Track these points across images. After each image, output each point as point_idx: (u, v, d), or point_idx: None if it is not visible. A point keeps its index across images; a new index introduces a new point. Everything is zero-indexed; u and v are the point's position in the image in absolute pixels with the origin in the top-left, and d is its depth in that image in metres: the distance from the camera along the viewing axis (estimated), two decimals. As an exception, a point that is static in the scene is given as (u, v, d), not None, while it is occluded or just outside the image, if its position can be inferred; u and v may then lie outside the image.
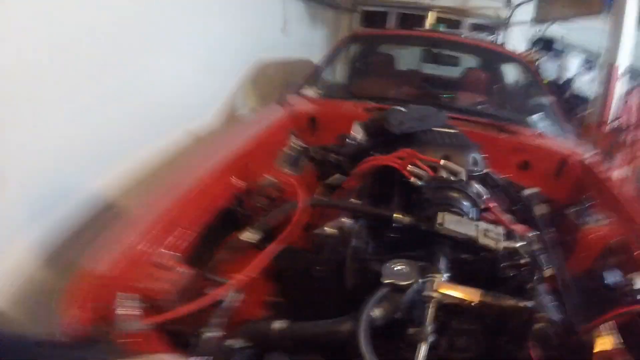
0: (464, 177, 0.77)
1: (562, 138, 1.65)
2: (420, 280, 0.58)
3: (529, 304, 0.57)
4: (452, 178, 0.76)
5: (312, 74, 2.22)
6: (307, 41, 4.18)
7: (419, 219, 0.68)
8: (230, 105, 2.70)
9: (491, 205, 0.78)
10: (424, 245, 0.67)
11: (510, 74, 2.61)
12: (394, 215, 0.72)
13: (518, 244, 0.64)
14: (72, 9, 1.30)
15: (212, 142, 1.39)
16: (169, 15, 1.91)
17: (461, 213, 0.69)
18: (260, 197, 1.01)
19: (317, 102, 1.85)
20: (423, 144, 0.91)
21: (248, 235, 0.79)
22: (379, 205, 0.83)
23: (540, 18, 4.49)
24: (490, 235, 0.63)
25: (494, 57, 2.59)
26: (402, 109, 1.09)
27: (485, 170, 0.92)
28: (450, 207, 0.69)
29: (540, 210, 1.06)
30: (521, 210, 1.04)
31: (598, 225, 1.02)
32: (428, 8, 4.90)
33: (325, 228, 0.78)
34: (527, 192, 1.16)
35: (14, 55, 1.08)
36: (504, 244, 0.63)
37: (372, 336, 0.51)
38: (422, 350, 0.50)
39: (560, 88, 4.09)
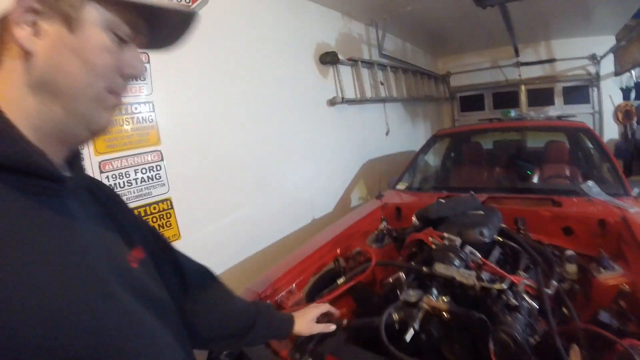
0: (458, 244, 1.28)
1: (616, 197, 1.87)
2: (419, 298, 1.11)
3: (483, 316, 1.02)
4: (450, 245, 1.28)
5: (404, 172, 2.89)
6: (410, 135, 4.92)
7: (429, 268, 1.23)
8: (346, 199, 3.51)
9: (484, 260, 1.24)
10: (431, 282, 1.20)
11: (577, 142, 2.87)
12: (422, 267, 1.28)
13: (490, 284, 1.11)
14: (238, 134, 2.35)
15: (332, 225, 2.11)
16: (301, 132, 2.93)
17: (452, 264, 1.20)
18: (352, 260, 1.66)
19: (405, 195, 2.49)
20: (449, 224, 1.45)
21: (341, 280, 1.43)
22: (417, 263, 1.38)
23: (620, 69, 4.33)
24: (465, 276, 1.13)
25: (560, 131, 2.93)
26: (443, 200, 1.66)
27: (492, 239, 1.38)
28: (444, 260, 1.21)
29: (570, 268, 1.36)
30: (547, 266, 1.35)
31: (613, 274, 1.25)
32: (520, 83, 5.20)
33: (390, 279, 1.38)
34: (568, 253, 1.41)
35: (196, 169, 2.08)
36: (477, 283, 1.12)
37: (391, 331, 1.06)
38: (410, 331, 1.03)
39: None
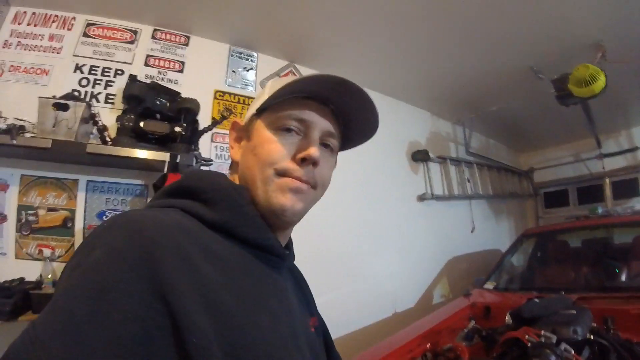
0: (554, 341, 1.32)
1: None
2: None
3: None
4: (546, 342, 1.32)
5: (492, 271, 2.88)
6: (494, 233, 4.81)
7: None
8: (428, 295, 3.50)
9: (577, 357, 1.27)
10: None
11: None
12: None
13: None
14: (336, 222, 2.60)
15: (420, 321, 2.17)
16: (391, 225, 3.11)
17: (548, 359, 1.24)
18: (442, 357, 1.72)
19: (493, 295, 2.49)
20: (542, 322, 1.49)
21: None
22: (513, 361, 1.42)
23: None
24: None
25: None
26: (537, 300, 1.70)
27: (586, 337, 1.40)
28: (541, 356, 1.26)
29: None
30: None
31: None
32: (603, 175, 4.91)
33: None
34: None
35: (312, 261, 2.31)
36: None
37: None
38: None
39: None
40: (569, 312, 1.55)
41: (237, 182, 0.62)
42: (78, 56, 1.65)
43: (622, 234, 3.04)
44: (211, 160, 2.05)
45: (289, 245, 0.67)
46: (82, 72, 1.69)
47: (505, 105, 3.42)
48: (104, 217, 1.71)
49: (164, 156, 1.72)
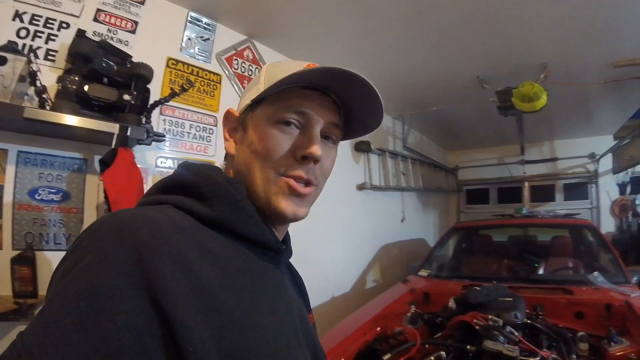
0: (501, 324, 1.51)
1: (618, 285, 2.20)
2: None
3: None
4: (495, 325, 1.51)
5: (425, 260, 3.14)
6: (422, 224, 5.25)
7: (472, 346, 1.44)
8: (362, 280, 3.70)
9: (521, 338, 1.48)
10: (480, 357, 1.41)
11: (581, 237, 3.24)
12: (466, 346, 1.48)
13: (531, 358, 1.35)
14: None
15: (366, 306, 2.29)
16: (332, 213, 3.19)
17: (497, 341, 1.42)
18: (392, 339, 1.84)
19: (429, 282, 2.72)
20: (486, 308, 1.69)
21: (387, 357, 1.61)
22: (462, 342, 1.59)
23: (618, 167, 4.78)
24: (510, 350, 1.35)
25: (567, 228, 3.34)
26: (478, 288, 1.91)
27: (523, 321, 1.63)
28: (492, 337, 1.44)
29: (583, 346, 1.60)
30: (564, 345, 1.59)
31: (622, 347, 1.53)
32: (523, 179, 5.66)
33: (432, 357, 1.57)
34: (579, 334, 1.68)
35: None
36: (519, 356, 1.35)
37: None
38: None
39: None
40: (508, 299, 1.77)
41: (232, 175, 0.60)
42: (19, 1, 1.38)
43: (544, 233, 3.55)
44: (164, 136, 1.89)
45: (286, 240, 0.66)
46: (22, 21, 1.41)
47: (444, 107, 3.70)
48: (36, 195, 1.48)
49: (113, 127, 1.55)
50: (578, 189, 5.43)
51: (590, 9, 2.12)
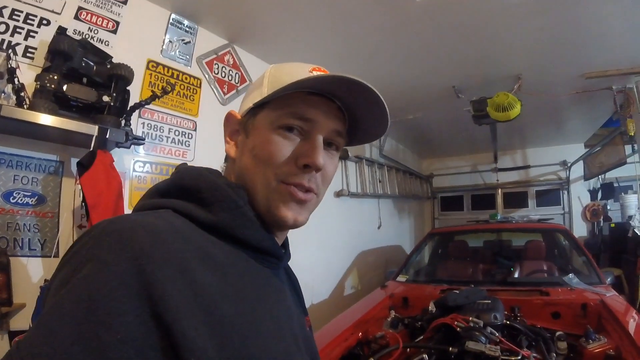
0: (481, 325, 1.57)
1: (592, 285, 2.31)
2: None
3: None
4: (476, 326, 1.57)
5: (403, 265, 3.20)
6: (397, 230, 5.34)
7: (454, 347, 1.49)
8: (340, 286, 3.72)
9: (502, 338, 1.54)
10: (462, 358, 1.46)
11: (555, 240, 3.41)
12: (449, 348, 1.53)
13: (512, 357, 1.40)
14: None
15: (346, 311, 2.30)
16: (310, 222, 3.19)
17: (478, 341, 1.47)
18: (374, 344, 1.87)
19: (408, 287, 2.77)
20: (466, 310, 1.75)
21: (371, 361, 1.63)
22: (443, 344, 1.64)
23: (589, 174, 5.05)
24: (492, 350, 1.41)
25: (541, 232, 3.49)
26: (457, 291, 1.98)
27: (502, 322, 1.70)
28: (473, 338, 1.49)
29: (561, 345, 1.67)
30: (543, 344, 1.65)
31: (600, 343, 1.61)
32: (497, 187, 5.88)
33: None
34: (558, 333, 1.76)
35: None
36: (501, 356, 1.40)
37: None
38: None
39: (623, 228, 4.34)
40: (486, 302, 1.84)
41: (232, 180, 0.59)
42: (1, -5, 1.34)
43: (518, 238, 3.69)
44: (143, 139, 1.86)
45: (285, 244, 0.66)
46: (1, 16, 1.36)
47: (421, 116, 3.81)
48: (11, 198, 1.42)
49: (92, 129, 1.51)
50: (550, 195, 5.68)
51: (562, 23, 2.26)
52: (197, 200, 0.51)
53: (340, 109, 0.59)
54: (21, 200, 1.45)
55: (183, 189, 0.53)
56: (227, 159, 0.63)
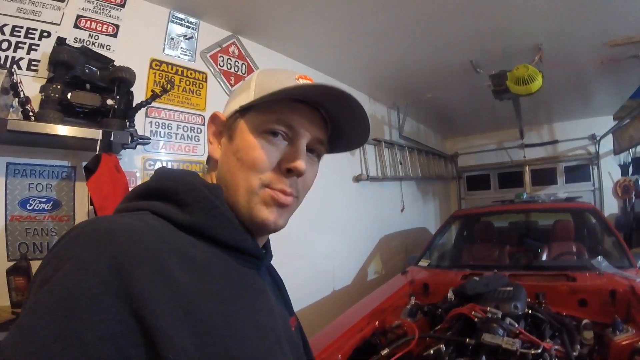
0: (499, 316, 1.55)
1: (622, 269, 2.20)
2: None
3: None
4: (493, 317, 1.55)
5: (425, 250, 3.17)
6: (421, 213, 5.27)
7: (471, 339, 1.48)
8: (363, 272, 3.74)
9: (521, 330, 1.51)
10: (478, 351, 1.45)
11: (583, 220, 3.25)
12: (465, 340, 1.53)
13: (527, 350, 1.38)
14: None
15: (365, 299, 2.31)
16: (329, 205, 3.21)
17: (495, 334, 1.46)
18: (391, 333, 1.89)
19: (429, 272, 2.76)
20: (485, 299, 1.73)
21: (385, 351, 1.65)
22: (461, 334, 1.63)
23: (619, 148, 4.78)
24: (510, 343, 1.39)
25: (568, 212, 3.36)
26: (477, 278, 1.95)
27: (524, 311, 1.65)
28: (490, 330, 1.47)
29: (587, 335, 1.63)
30: (567, 335, 1.61)
31: (627, 335, 1.54)
32: (524, 164, 5.68)
33: (431, 351, 1.61)
34: (584, 322, 1.71)
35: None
36: (520, 349, 1.38)
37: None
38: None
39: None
40: (508, 289, 1.80)
41: (214, 180, 0.62)
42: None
43: (545, 218, 3.58)
44: (149, 139, 1.91)
45: (267, 245, 0.68)
46: (3, 34, 1.43)
47: (440, 94, 3.70)
48: (27, 205, 1.51)
49: (96, 134, 1.56)
50: (579, 171, 5.44)
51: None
52: (175, 202, 0.52)
53: (324, 119, 0.61)
54: (37, 206, 1.54)
55: (161, 190, 0.54)
56: (209, 160, 0.65)
